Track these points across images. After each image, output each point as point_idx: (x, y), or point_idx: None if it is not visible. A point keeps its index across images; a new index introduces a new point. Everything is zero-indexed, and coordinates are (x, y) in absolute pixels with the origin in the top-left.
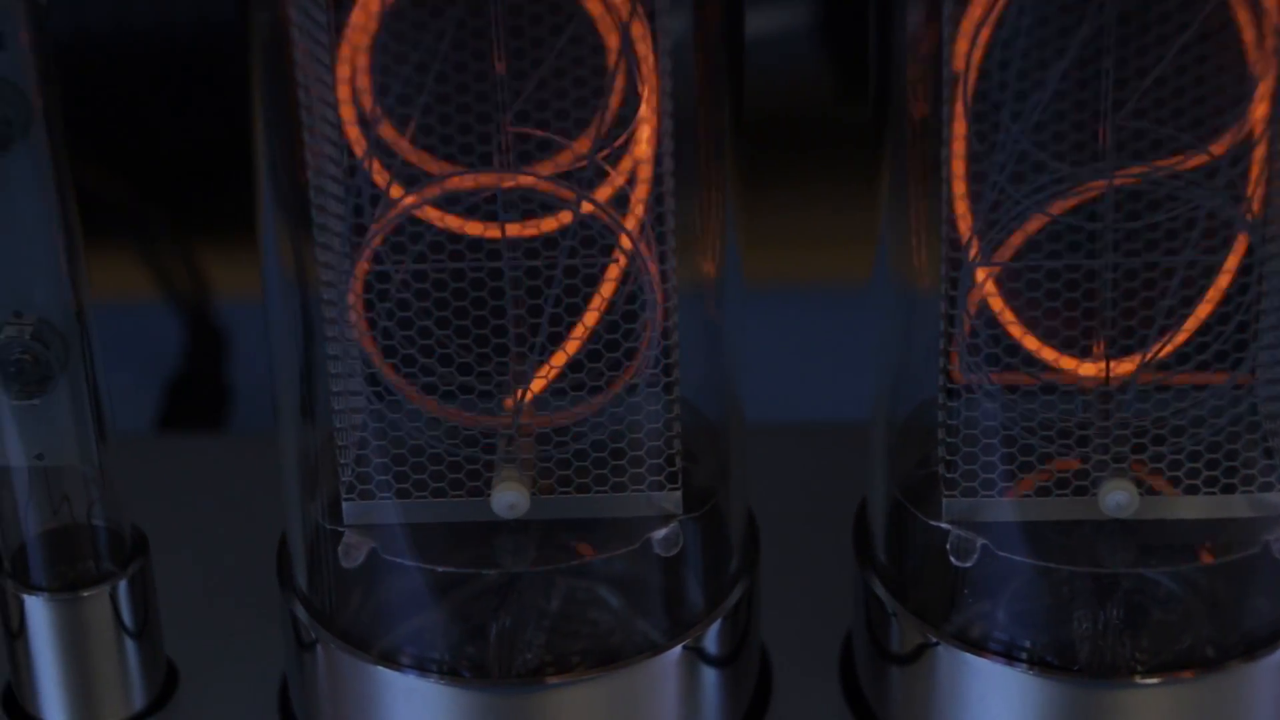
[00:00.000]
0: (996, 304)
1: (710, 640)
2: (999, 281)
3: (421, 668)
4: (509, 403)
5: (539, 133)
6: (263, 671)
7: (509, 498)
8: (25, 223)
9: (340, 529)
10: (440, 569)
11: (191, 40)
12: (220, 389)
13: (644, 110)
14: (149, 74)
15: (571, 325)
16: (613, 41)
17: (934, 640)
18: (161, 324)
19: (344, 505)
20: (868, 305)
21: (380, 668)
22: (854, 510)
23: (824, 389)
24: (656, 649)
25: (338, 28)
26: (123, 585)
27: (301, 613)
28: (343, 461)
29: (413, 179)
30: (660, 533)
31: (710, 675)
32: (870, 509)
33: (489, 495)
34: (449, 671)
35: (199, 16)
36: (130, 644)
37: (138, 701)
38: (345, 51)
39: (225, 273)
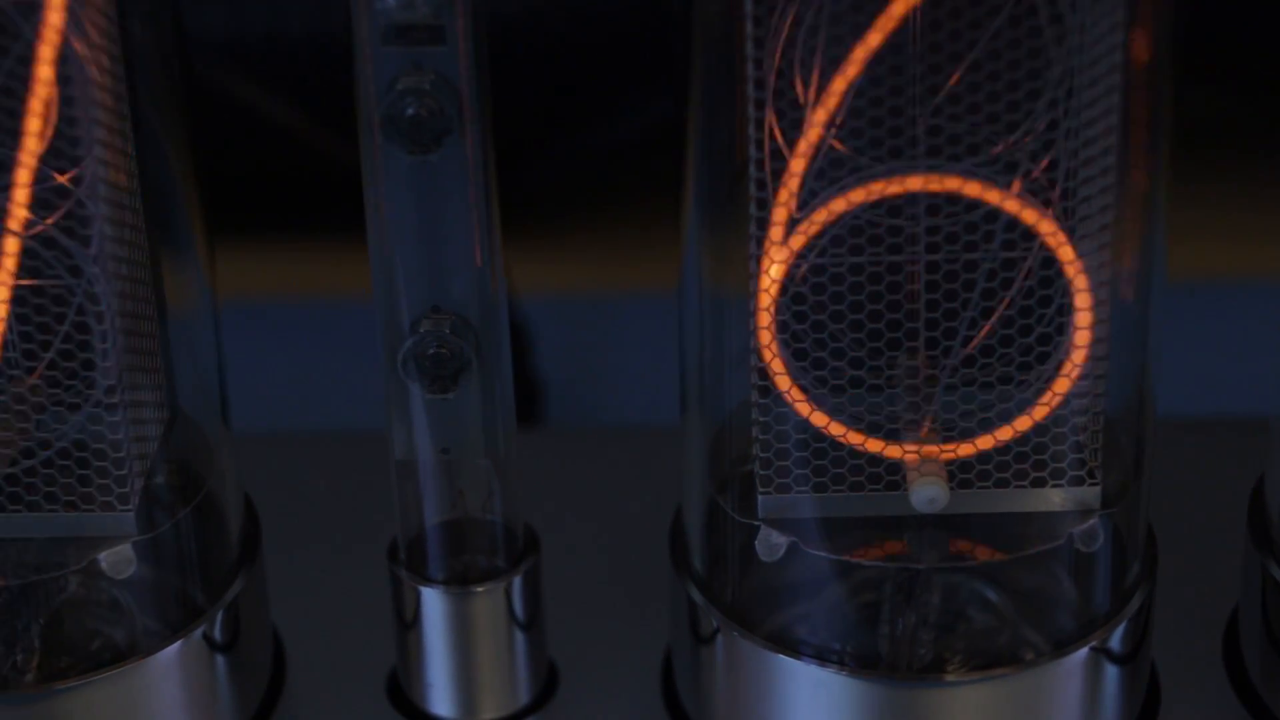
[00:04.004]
0: None
1: (1115, 641)
2: None
3: (824, 658)
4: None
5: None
6: (637, 663)
7: (929, 492)
8: (450, 218)
9: (755, 522)
10: (863, 562)
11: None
12: (530, 384)
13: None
14: None
15: (1006, 321)
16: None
17: None
18: None
19: (759, 499)
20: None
21: (782, 656)
22: (1231, 509)
23: (1207, 383)
24: (1064, 649)
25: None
26: (516, 582)
27: (698, 597)
28: (760, 455)
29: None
30: (1081, 528)
31: (1112, 676)
32: (1269, 496)
33: (907, 490)
34: (852, 663)
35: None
36: (519, 641)
37: (522, 698)
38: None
39: (525, 269)
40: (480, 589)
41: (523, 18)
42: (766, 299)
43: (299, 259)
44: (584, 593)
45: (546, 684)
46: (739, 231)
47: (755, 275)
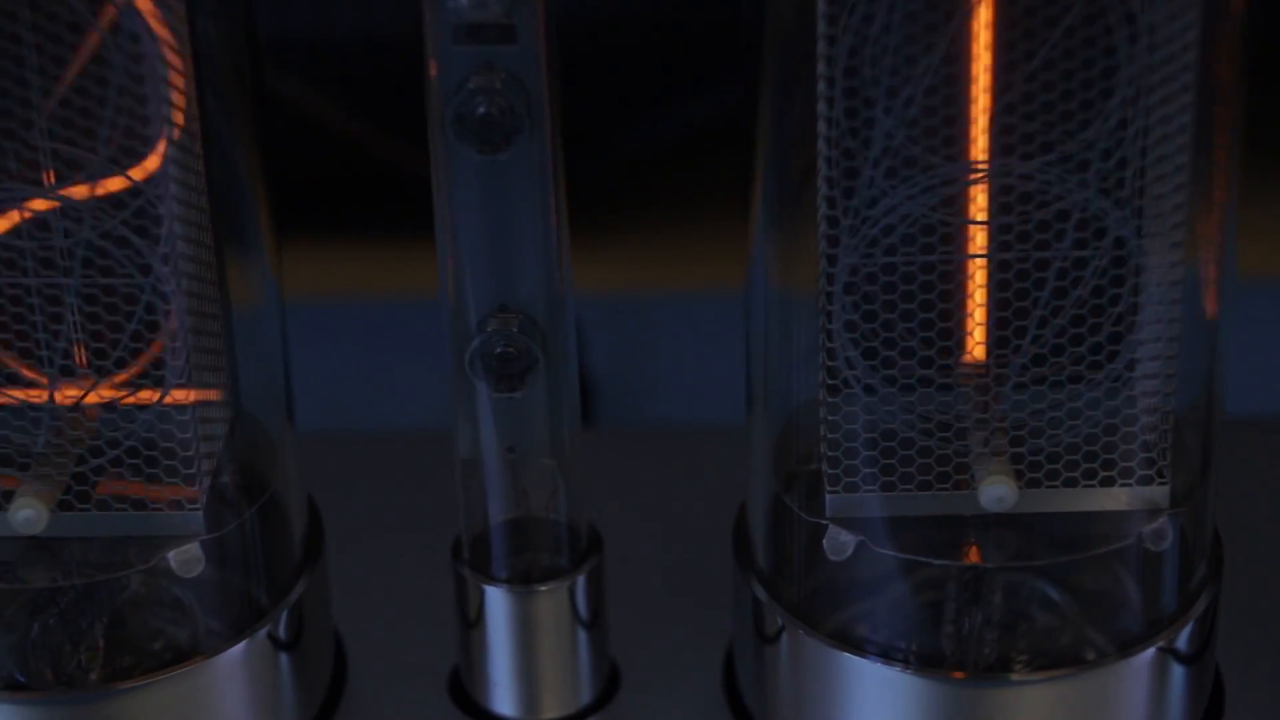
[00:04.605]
0: None
1: (1182, 642)
2: None
3: (889, 656)
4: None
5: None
6: (698, 662)
7: (997, 491)
8: (519, 217)
9: (821, 521)
10: (932, 561)
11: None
12: (581, 384)
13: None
14: None
15: (1075, 319)
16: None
17: None
18: None
19: (827, 498)
20: None
21: (847, 654)
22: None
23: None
24: (1131, 649)
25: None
26: (580, 581)
27: (763, 595)
28: (828, 454)
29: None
30: (1150, 527)
31: (1178, 677)
32: None
33: (975, 488)
34: (917, 662)
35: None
36: (582, 640)
37: (584, 697)
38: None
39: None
40: (544, 588)
41: (576, 15)
42: (836, 297)
43: (357, 257)
44: (643, 592)
45: (608, 683)
46: (808, 230)
47: (825, 274)
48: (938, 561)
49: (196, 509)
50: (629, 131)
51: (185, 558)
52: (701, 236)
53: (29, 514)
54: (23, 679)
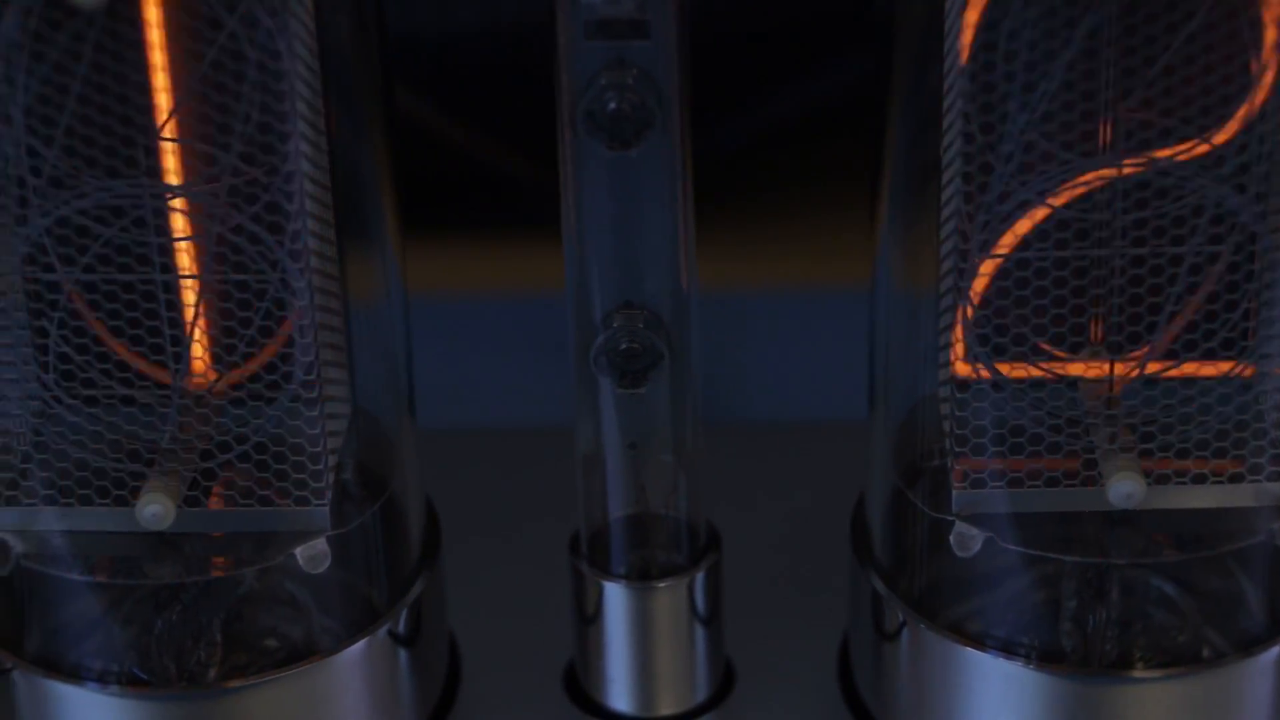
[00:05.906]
0: None
1: None
2: None
3: (1011, 651)
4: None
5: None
6: (815, 659)
7: (1126, 487)
8: (647, 213)
9: (948, 517)
10: (1063, 558)
11: None
12: None
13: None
14: None
15: (1207, 315)
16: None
17: None
18: None
19: (954, 494)
20: None
21: (970, 649)
22: None
23: None
24: (1257, 647)
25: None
26: (699, 578)
27: (883, 589)
28: (955, 450)
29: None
30: (1278, 523)
31: None
32: None
33: (1103, 484)
34: (1039, 657)
35: None
36: (700, 637)
37: (699, 695)
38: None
39: None
40: (662, 584)
41: None
42: (964, 294)
43: (479, 253)
44: (755, 588)
45: (724, 681)
46: (932, 225)
47: (955, 269)
48: (1066, 558)
49: (323, 504)
50: (727, 124)
51: (312, 553)
52: (799, 232)
53: (156, 509)
54: (142, 674)
